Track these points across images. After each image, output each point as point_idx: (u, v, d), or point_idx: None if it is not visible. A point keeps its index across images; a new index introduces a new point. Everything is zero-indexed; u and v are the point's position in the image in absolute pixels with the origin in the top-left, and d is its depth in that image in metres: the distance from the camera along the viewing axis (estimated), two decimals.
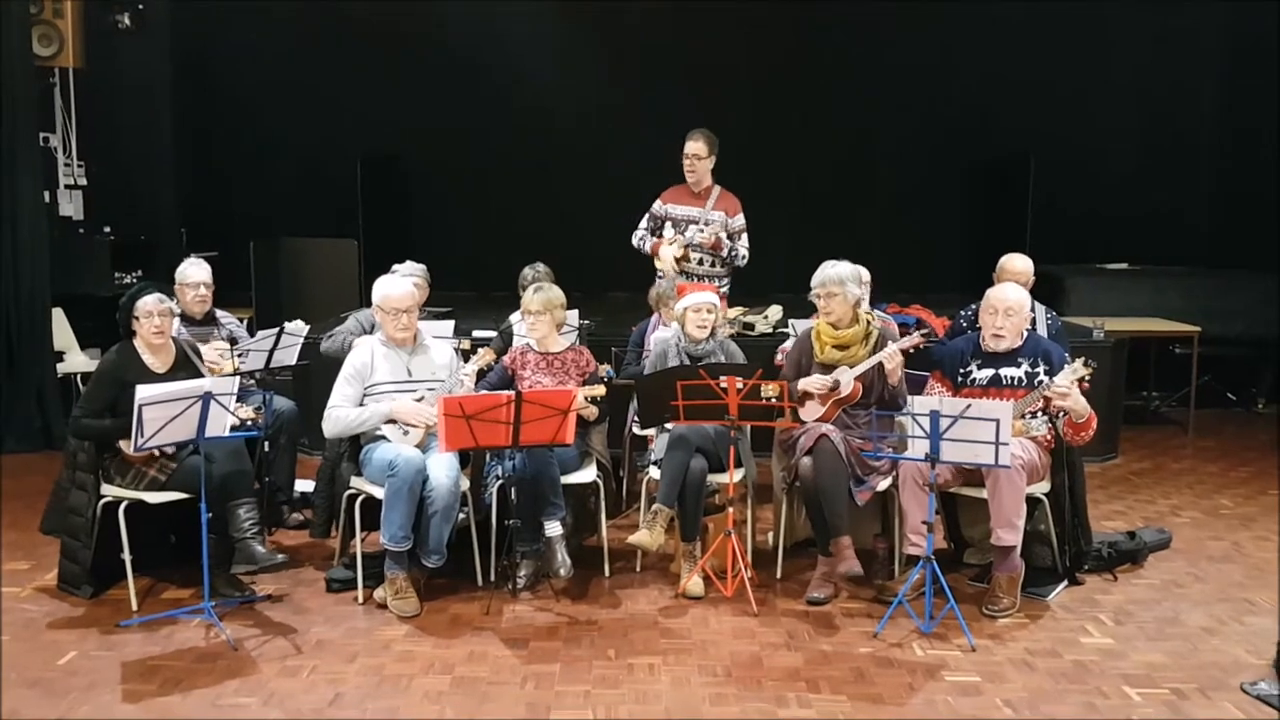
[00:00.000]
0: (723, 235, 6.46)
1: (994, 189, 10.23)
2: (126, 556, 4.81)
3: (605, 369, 5.56)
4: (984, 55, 10.06)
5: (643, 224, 6.72)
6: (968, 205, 10.56)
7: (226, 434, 4.64)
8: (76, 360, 8.16)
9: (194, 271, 5.99)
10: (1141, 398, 8.90)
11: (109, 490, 4.84)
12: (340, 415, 4.96)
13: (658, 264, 6.63)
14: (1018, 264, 5.92)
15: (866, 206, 10.31)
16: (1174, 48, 9.97)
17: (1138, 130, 10.14)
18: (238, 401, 4.75)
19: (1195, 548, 5.70)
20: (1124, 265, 9.88)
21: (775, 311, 7.60)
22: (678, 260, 6.47)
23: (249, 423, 4.85)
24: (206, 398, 4.49)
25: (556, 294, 5.32)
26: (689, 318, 5.33)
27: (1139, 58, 10.07)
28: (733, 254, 6.52)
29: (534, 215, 10.16)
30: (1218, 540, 5.83)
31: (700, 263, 6.52)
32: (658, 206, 6.67)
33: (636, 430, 5.86)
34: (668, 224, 6.59)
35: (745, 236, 6.59)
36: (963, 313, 6.28)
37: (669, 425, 5.11)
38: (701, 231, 6.45)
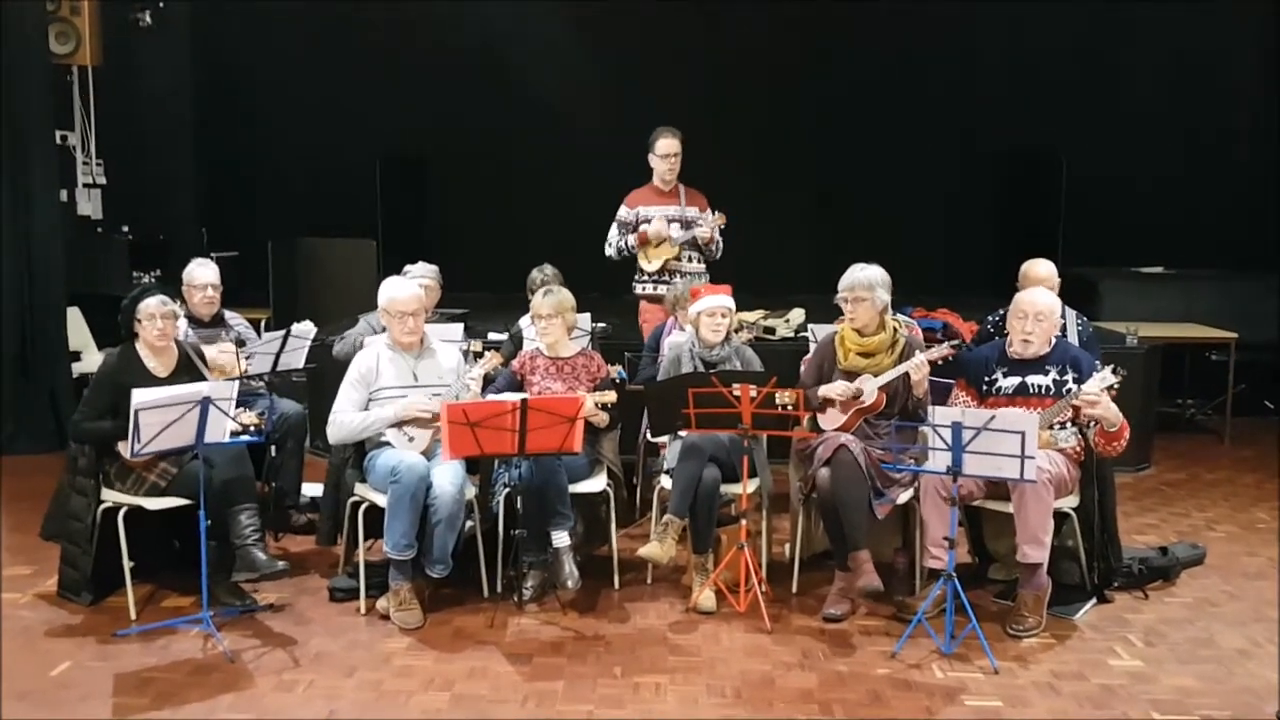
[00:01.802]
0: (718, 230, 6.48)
1: (1024, 189, 10.01)
2: (126, 563, 4.70)
3: (615, 370, 5.41)
4: (1011, 53, 9.87)
5: (613, 233, 6.64)
6: (996, 206, 10.33)
7: (226, 440, 4.53)
8: (93, 360, 8.07)
9: (201, 272, 5.88)
10: (1176, 405, 8.65)
11: (109, 496, 4.74)
12: (345, 420, 4.84)
13: (645, 260, 6.50)
14: (1041, 270, 5.70)
15: (889, 207, 10.08)
16: (1207, 46, 9.69)
17: (1171, 130, 9.87)
18: (242, 405, 4.64)
19: (1230, 564, 5.47)
20: (1159, 268, 9.63)
21: (797, 315, 7.42)
22: (666, 255, 6.46)
23: (251, 428, 4.75)
24: (205, 403, 4.38)
25: (567, 297, 5.17)
26: (703, 321, 5.17)
27: (1172, 55, 9.80)
28: (717, 248, 6.52)
29: (551, 216, 10.01)
30: (1253, 556, 5.60)
31: (691, 260, 6.50)
32: (626, 213, 6.59)
33: (650, 437, 5.73)
34: (643, 227, 6.48)
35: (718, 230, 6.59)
36: (990, 318, 6.06)
37: (681, 433, 4.95)
38: (694, 228, 6.43)
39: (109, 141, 8.88)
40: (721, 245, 6.55)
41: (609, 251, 6.65)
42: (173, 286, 4.95)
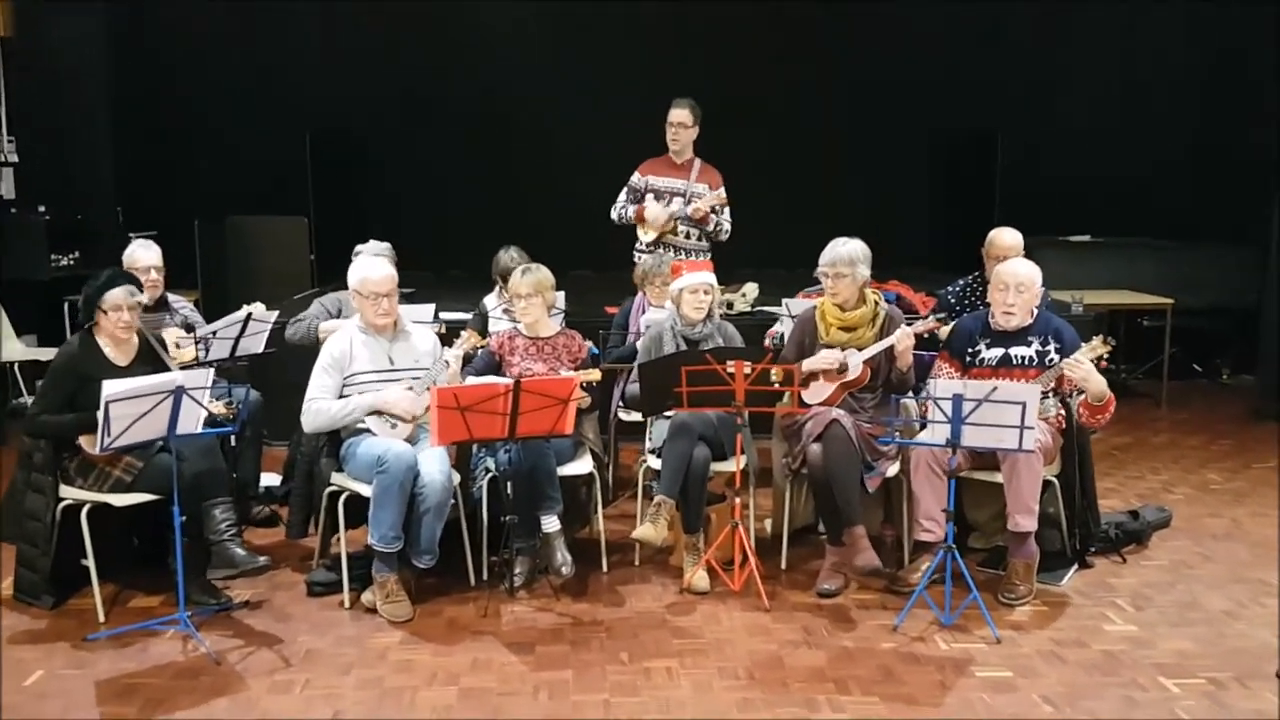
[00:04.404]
0: (711, 209, 6.34)
1: (961, 161, 10.09)
2: (90, 563, 4.46)
3: (587, 345, 5.28)
4: (947, 24, 9.89)
5: (621, 197, 6.55)
6: (934, 178, 10.41)
7: (199, 430, 4.32)
8: (13, 349, 7.69)
9: (144, 254, 5.57)
10: (1109, 370, 8.81)
11: (69, 493, 4.48)
12: (321, 408, 4.64)
13: (642, 231, 6.42)
14: (1007, 238, 5.70)
15: (829, 184, 10.05)
16: (1140, 15, 9.87)
17: (1101, 100, 10.04)
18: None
19: (1195, 526, 5.60)
20: (1086, 237, 9.82)
21: (752, 289, 7.38)
22: (661, 230, 6.33)
23: (221, 418, 4.53)
24: (178, 392, 4.16)
25: (545, 275, 5.03)
26: (685, 299, 5.06)
27: (1103, 24, 9.95)
28: (718, 228, 6.40)
29: (489, 190, 9.82)
30: (1216, 517, 5.74)
31: (688, 236, 6.41)
32: (637, 179, 6.48)
33: (623, 415, 5.65)
34: (649, 196, 6.39)
35: (727, 210, 6.46)
36: (950, 289, 6.07)
37: (668, 412, 4.87)
38: (690, 204, 6.30)
39: (20, 117, 8.39)
40: (726, 228, 6.44)
41: (612, 215, 6.55)
42: (124, 276, 4.63)
